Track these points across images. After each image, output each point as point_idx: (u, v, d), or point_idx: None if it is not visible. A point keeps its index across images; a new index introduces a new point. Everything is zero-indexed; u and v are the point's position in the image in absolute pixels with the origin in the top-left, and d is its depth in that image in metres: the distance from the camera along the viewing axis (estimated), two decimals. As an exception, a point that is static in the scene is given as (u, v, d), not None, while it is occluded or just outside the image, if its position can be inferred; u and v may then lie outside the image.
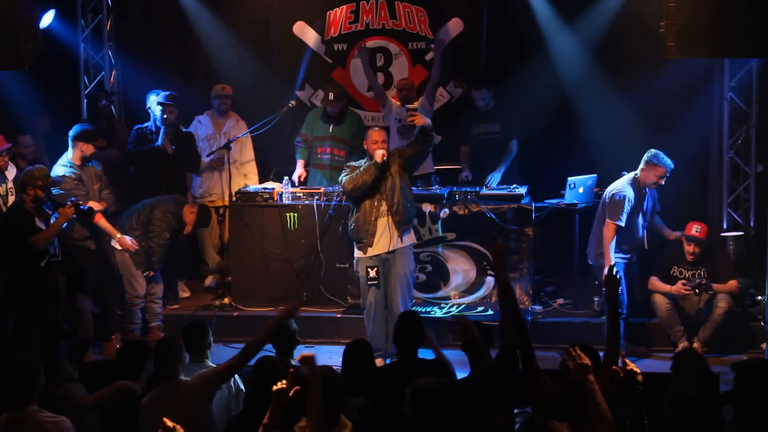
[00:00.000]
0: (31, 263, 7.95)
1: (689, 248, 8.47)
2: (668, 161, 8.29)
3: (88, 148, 8.59)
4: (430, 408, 4.88)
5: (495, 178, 9.34)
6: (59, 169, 8.56)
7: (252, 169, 10.07)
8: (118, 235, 8.54)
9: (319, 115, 9.72)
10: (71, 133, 8.65)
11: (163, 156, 9.28)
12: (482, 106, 9.56)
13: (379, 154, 7.96)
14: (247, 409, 5.71)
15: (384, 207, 8.00)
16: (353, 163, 8.25)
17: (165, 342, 5.88)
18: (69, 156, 8.62)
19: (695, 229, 8.47)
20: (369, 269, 8.03)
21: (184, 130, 9.64)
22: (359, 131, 9.72)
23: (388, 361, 8.07)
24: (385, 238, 8.01)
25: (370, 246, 8.03)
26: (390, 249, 8.03)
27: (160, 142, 9.29)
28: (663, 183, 8.37)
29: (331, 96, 9.58)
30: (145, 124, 9.46)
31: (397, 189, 8.01)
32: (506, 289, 5.53)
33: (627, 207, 8.22)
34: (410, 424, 5.03)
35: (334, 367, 6.63)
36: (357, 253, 8.15)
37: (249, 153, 10.02)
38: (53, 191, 8.21)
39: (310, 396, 4.85)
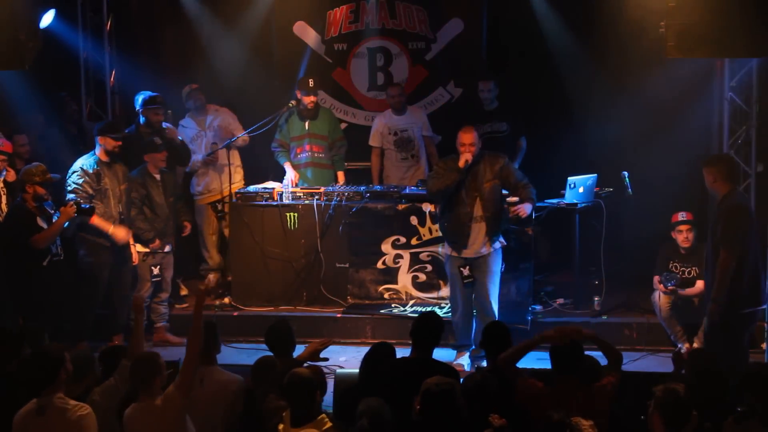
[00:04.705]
0: (33, 263, 7.96)
1: (681, 237, 8.45)
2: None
3: (108, 142, 8.53)
4: (438, 407, 4.88)
5: None
6: (79, 161, 8.51)
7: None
8: (111, 228, 8.44)
9: (294, 115, 9.70)
10: (95, 128, 8.66)
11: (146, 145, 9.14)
12: (485, 99, 9.55)
13: (462, 159, 7.90)
14: (246, 410, 5.71)
15: (480, 212, 7.99)
16: (442, 161, 8.17)
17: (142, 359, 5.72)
18: (95, 151, 8.57)
19: (681, 215, 8.47)
20: (462, 269, 8.04)
21: (165, 125, 9.50)
22: (335, 127, 9.84)
23: (468, 359, 8.12)
24: (479, 242, 8.03)
25: (465, 247, 8.03)
26: (483, 254, 8.05)
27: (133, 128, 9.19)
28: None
29: (311, 82, 9.58)
30: (128, 130, 9.31)
31: (495, 195, 8.03)
32: None
33: None
34: (418, 422, 5.04)
35: (330, 367, 6.66)
36: (449, 251, 8.14)
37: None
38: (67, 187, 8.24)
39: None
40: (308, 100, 9.55)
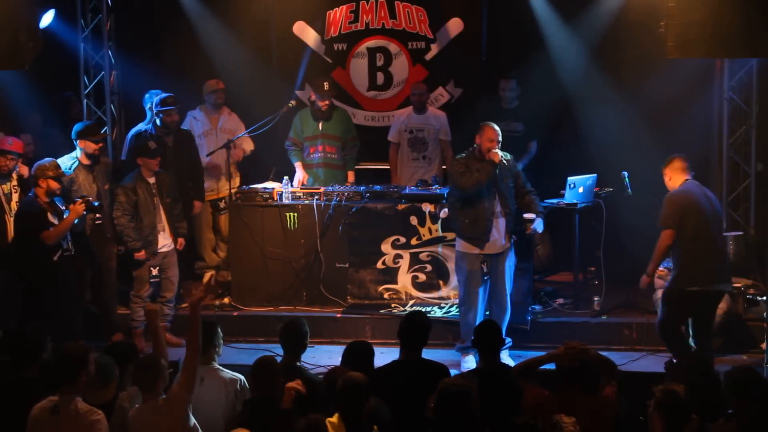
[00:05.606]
0: (44, 258, 7.99)
1: None
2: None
3: (88, 146, 8.57)
4: (453, 408, 4.88)
5: None
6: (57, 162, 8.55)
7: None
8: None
9: (308, 115, 9.71)
10: (73, 131, 8.66)
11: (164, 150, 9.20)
12: (507, 97, 9.57)
13: (496, 155, 7.96)
14: (246, 409, 5.71)
15: (499, 207, 8.07)
16: (461, 157, 8.17)
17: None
18: (76, 154, 8.60)
19: None
20: (483, 265, 8.09)
21: (184, 128, 9.64)
22: (348, 127, 9.83)
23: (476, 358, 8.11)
24: (500, 237, 8.09)
25: (487, 241, 8.07)
26: (502, 249, 8.11)
27: (150, 126, 9.25)
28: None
29: (326, 86, 9.59)
30: (143, 129, 9.38)
31: (511, 192, 8.13)
32: None
33: None
34: (433, 421, 5.04)
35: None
36: (467, 248, 8.14)
37: (249, 145, 10.00)
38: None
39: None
40: (323, 103, 9.57)
